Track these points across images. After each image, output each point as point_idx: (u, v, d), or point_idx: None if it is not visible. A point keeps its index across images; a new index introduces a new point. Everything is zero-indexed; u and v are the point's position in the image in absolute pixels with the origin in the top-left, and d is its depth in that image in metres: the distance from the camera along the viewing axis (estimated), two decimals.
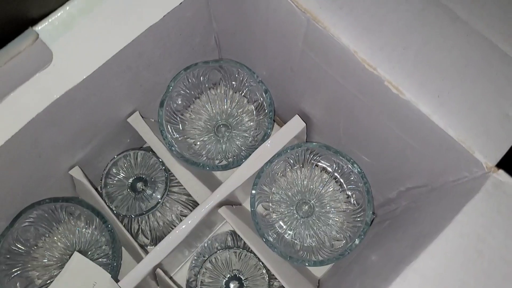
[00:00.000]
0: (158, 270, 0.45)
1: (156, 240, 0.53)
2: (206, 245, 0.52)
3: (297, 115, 0.48)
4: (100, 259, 0.50)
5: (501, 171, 0.28)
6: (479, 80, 0.31)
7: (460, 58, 0.31)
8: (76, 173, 0.48)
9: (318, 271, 0.54)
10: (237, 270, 0.49)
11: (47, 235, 0.50)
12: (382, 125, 0.37)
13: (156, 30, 0.39)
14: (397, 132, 0.35)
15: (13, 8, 0.30)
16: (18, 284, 0.47)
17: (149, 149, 0.51)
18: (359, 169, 0.47)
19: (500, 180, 0.28)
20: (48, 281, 0.49)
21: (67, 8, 0.32)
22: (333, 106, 0.43)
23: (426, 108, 0.30)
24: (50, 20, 0.32)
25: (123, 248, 0.53)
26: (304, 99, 0.47)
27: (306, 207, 0.52)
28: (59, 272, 0.49)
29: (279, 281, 0.50)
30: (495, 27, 0.33)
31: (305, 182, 0.53)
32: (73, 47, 0.33)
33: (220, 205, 0.47)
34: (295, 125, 0.48)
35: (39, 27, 0.32)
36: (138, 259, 0.46)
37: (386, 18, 0.32)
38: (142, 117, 0.51)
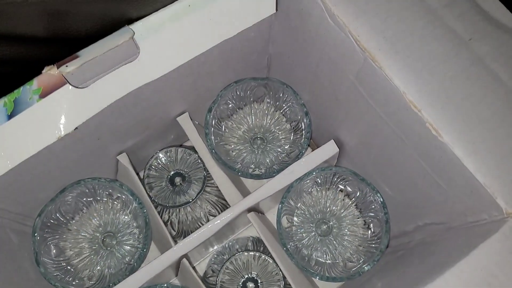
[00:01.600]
0: (184, 259, 0.49)
1: (181, 234, 0.56)
2: (227, 245, 0.56)
3: (332, 140, 0.52)
4: (129, 242, 0.54)
5: None
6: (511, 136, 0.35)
7: (497, 113, 0.35)
8: (123, 159, 0.53)
9: None
10: (255, 273, 0.52)
11: (84, 211, 0.54)
12: (413, 162, 0.40)
13: (225, 43, 0.43)
14: (427, 169, 0.39)
15: (116, 7, 0.34)
16: (51, 251, 0.51)
17: (190, 148, 0.55)
18: (381, 199, 0.51)
19: None
20: (78, 254, 0.53)
21: (160, 14, 0.37)
22: (369, 138, 0.47)
23: (461, 152, 0.34)
24: (143, 22, 0.37)
25: None
26: (342, 127, 0.51)
27: (325, 226, 0.56)
28: (88, 245, 0.54)
29: None
30: None
31: (328, 203, 0.56)
32: (157, 48, 0.38)
33: (249, 210, 0.51)
34: (330, 149, 0.52)
35: (133, 26, 0.36)
36: (165, 247, 0.50)
37: (436, 69, 0.37)
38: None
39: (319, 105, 0.52)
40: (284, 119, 0.59)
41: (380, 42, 0.37)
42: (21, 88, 0.34)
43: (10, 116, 0.35)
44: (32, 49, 0.38)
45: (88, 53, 0.34)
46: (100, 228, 0.55)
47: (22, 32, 0.36)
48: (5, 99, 0.35)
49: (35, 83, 0.34)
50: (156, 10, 0.37)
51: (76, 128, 0.36)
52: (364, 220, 0.55)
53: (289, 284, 0.49)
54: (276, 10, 0.45)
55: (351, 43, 0.38)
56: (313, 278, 0.56)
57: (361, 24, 0.37)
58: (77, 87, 0.35)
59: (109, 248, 0.54)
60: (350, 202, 0.56)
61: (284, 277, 0.51)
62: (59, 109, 0.36)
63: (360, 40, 0.37)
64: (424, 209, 0.45)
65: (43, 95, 0.34)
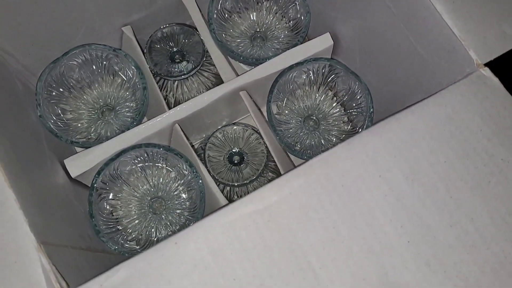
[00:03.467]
0: (176, 125, 0.52)
1: None
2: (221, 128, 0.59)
3: (328, 33, 0.54)
4: (126, 114, 0.57)
5: (487, 68, 0.35)
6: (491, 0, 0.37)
7: None
8: (128, 30, 0.55)
9: None
10: (241, 148, 0.55)
11: (87, 80, 0.57)
12: (400, 35, 0.43)
13: None
14: (412, 41, 0.42)
15: None
16: (52, 109, 0.54)
17: (194, 29, 0.58)
18: (370, 96, 0.53)
19: (484, 74, 0.35)
20: (77, 119, 0.56)
21: None
22: (362, 21, 0.49)
23: (441, 7, 0.36)
24: None
25: None
26: (338, 17, 0.53)
27: (312, 122, 0.59)
28: (87, 113, 0.57)
29: (273, 170, 0.57)
30: None
31: (318, 100, 0.59)
32: None
33: (242, 89, 0.54)
34: (324, 41, 0.54)
35: None
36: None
37: None
38: None
39: None
40: (285, 19, 0.61)
41: None
42: None
43: None
44: None
45: None
46: (100, 100, 0.58)
47: None
48: None
49: None
50: None
51: None
52: (348, 117, 0.58)
53: (272, 159, 0.52)
54: None
55: None
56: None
57: None
58: None
59: (106, 118, 0.57)
60: (339, 100, 0.59)
61: (268, 154, 0.54)
62: None
63: None
64: (406, 90, 0.47)
65: None
